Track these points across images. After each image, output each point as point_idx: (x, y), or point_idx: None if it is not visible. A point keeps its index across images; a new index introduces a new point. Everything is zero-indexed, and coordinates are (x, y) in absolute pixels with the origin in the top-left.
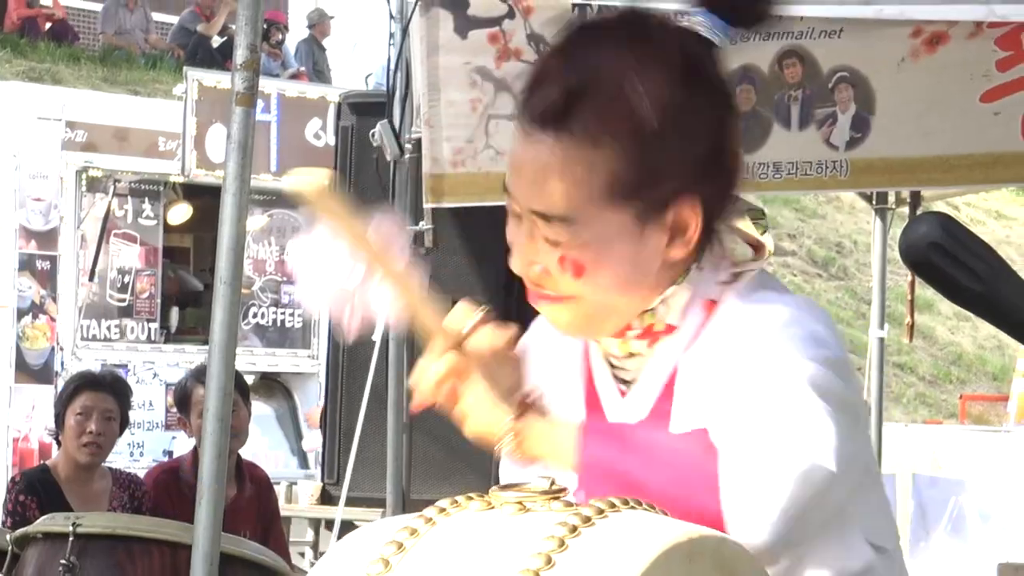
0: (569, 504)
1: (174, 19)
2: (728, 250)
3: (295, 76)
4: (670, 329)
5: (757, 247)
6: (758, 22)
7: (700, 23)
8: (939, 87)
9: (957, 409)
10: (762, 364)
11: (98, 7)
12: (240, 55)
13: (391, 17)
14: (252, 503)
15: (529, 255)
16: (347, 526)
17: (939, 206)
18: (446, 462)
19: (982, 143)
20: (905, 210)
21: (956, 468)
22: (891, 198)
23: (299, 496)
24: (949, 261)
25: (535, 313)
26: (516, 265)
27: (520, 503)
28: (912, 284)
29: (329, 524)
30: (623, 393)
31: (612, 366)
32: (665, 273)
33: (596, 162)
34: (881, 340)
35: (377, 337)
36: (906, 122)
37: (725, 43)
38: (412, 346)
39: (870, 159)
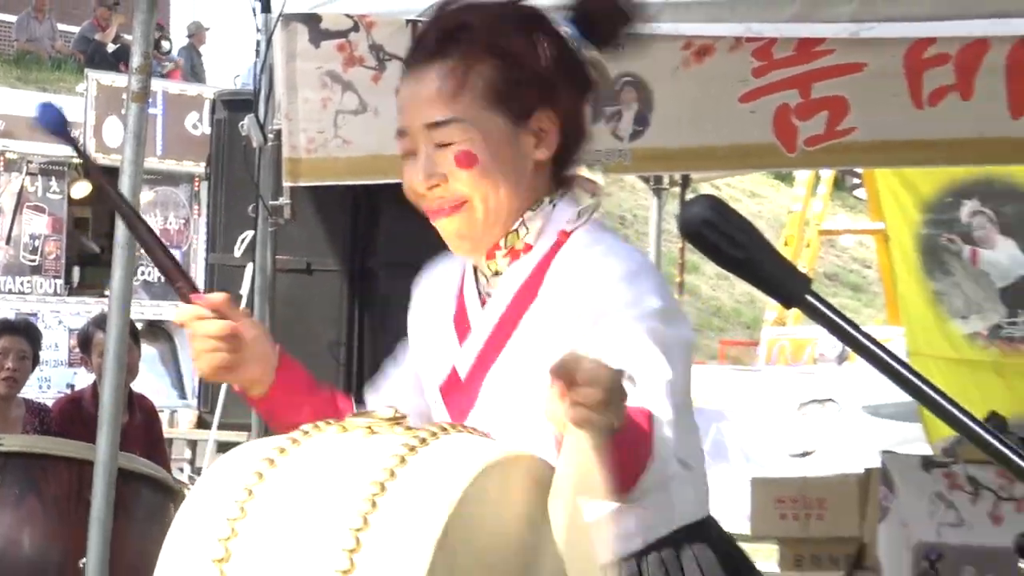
0: (409, 428)
1: (76, 29)
2: (576, 194)
3: (175, 68)
4: (528, 248)
5: (594, 193)
6: (608, 44)
7: (563, 30)
8: (706, 90)
9: (717, 352)
10: (612, 312)
11: (12, 19)
12: (135, 61)
13: (257, 30)
14: (141, 427)
15: (428, 169)
16: (219, 446)
17: (705, 187)
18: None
19: (740, 136)
20: (677, 190)
21: (716, 400)
22: (665, 180)
23: (179, 422)
24: (717, 233)
25: (380, 269)
26: (417, 187)
27: (369, 427)
28: (682, 250)
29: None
30: (484, 303)
31: (481, 291)
32: (532, 194)
33: (471, 77)
34: None
35: (244, 291)
36: (679, 118)
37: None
38: (273, 298)
39: (649, 148)
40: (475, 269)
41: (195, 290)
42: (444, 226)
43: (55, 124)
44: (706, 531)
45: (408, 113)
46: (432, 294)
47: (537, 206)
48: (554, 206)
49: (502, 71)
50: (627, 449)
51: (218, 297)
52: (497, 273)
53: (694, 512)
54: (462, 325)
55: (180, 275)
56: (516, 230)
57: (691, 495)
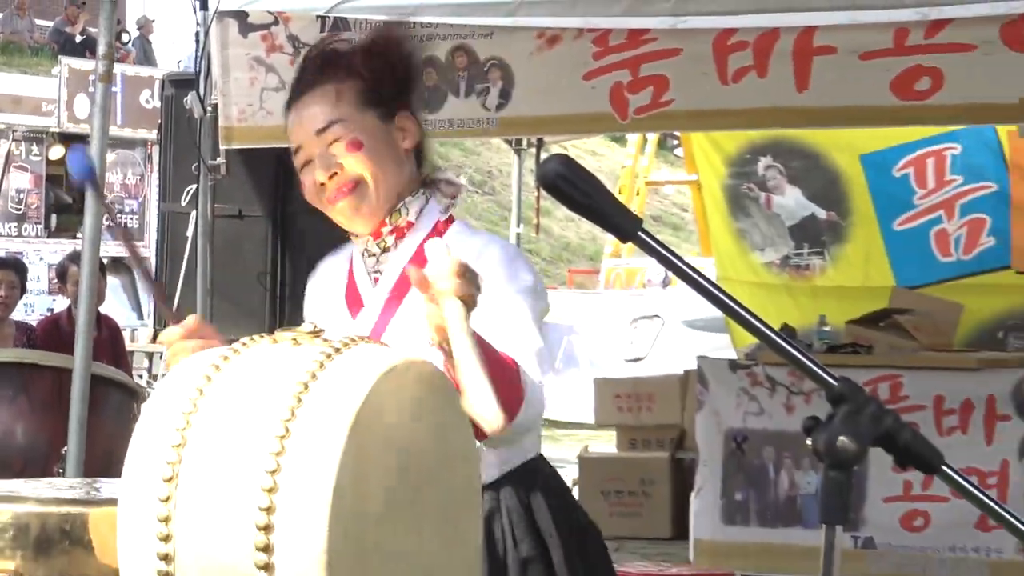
0: (326, 340)
1: (51, 23)
2: (447, 189)
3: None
4: (409, 225)
5: (454, 196)
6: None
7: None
8: (556, 70)
9: (566, 279)
10: (495, 287)
11: None
12: (101, 49)
13: (197, 24)
14: (108, 342)
15: (325, 163)
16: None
17: (555, 148)
18: (236, 315)
19: (584, 106)
20: (533, 150)
21: (567, 318)
22: (524, 142)
23: (138, 337)
24: (567, 184)
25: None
26: (319, 180)
27: (295, 339)
28: (537, 198)
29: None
30: (376, 281)
31: (370, 269)
32: (407, 179)
33: (344, 91)
34: (518, 235)
35: (189, 233)
36: (535, 92)
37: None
38: (213, 239)
39: (511, 117)
40: (364, 255)
41: (175, 314)
42: (344, 207)
43: (85, 173)
44: (543, 463)
45: (298, 130)
46: (324, 281)
47: (414, 194)
48: (427, 199)
49: (367, 84)
50: (504, 387)
51: (191, 321)
52: (385, 250)
53: (534, 448)
54: (354, 301)
55: (165, 302)
56: (399, 210)
57: (537, 433)
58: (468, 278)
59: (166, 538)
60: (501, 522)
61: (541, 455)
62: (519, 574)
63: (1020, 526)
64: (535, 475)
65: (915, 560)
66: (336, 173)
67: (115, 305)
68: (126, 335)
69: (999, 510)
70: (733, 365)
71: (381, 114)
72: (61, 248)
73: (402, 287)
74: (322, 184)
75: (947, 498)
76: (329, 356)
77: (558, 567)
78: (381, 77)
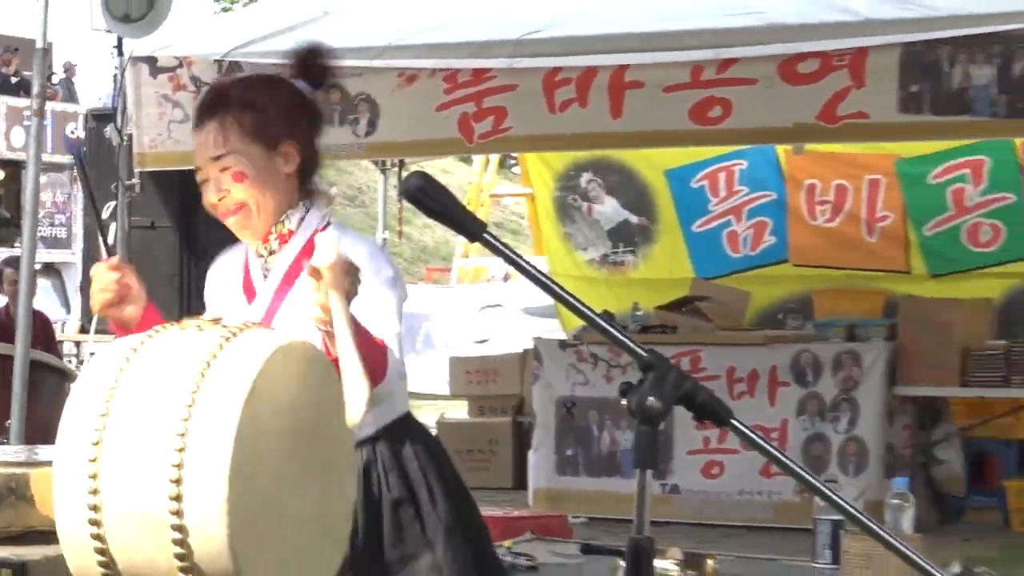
0: (225, 326)
1: None
2: (319, 202)
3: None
4: (291, 233)
5: (329, 202)
6: (323, 85)
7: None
8: (414, 103)
9: (424, 276)
10: (363, 279)
11: None
12: (35, 90)
13: (115, 68)
14: (41, 333)
15: (216, 187)
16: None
17: (414, 167)
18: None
19: (437, 133)
20: (396, 169)
21: (425, 308)
22: (388, 163)
23: (67, 329)
24: (425, 196)
25: (200, 226)
26: (212, 200)
27: (199, 326)
28: (400, 208)
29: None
30: (266, 276)
31: (261, 266)
32: (288, 197)
33: (234, 124)
34: (384, 239)
35: (111, 241)
36: (397, 122)
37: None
38: (130, 246)
39: (377, 142)
40: (256, 254)
41: (110, 254)
42: (232, 223)
43: (74, 149)
44: (412, 420)
45: (199, 155)
46: (223, 271)
47: (294, 207)
48: (307, 209)
49: (254, 118)
50: (373, 360)
51: (115, 260)
52: (272, 252)
53: (404, 407)
54: (249, 290)
55: (103, 232)
56: (282, 221)
57: (403, 396)
58: (351, 275)
59: (94, 492)
60: (377, 469)
61: (410, 413)
62: (391, 512)
63: (798, 470)
64: (405, 431)
65: (712, 503)
66: (225, 196)
67: (46, 302)
68: (56, 328)
69: (781, 458)
70: (563, 344)
71: (266, 145)
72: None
73: (288, 281)
74: (214, 203)
75: (738, 450)
76: (227, 339)
77: (424, 505)
78: (266, 112)
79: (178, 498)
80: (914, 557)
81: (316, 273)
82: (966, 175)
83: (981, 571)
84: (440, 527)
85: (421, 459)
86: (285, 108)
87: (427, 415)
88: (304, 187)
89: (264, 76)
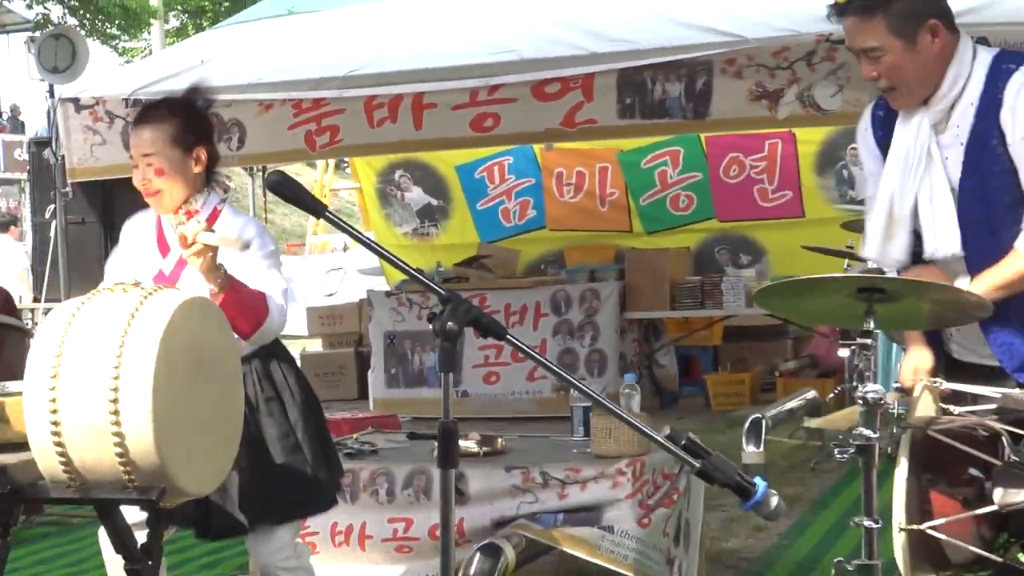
0: (143, 288)
1: None
2: (218, 189)
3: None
4: (196, 211)
5: (226, 189)
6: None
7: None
8: (272, 124)
9: (285, 250)
10: (251, 252)
11: None
12: None
13: (50, 106)
14: (4, 304)
15: (143, 175)
16: (45, 310)
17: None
18: (85, 285)
19: (289, 145)
20: (260, 172)
21: (286, 273)
22: (254, 168)
23: (23, 300)
24: (284, 188)
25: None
26: (137, 184)
27: (124, 288)
28: (265, 200)
29: (37, 311)
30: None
31: (175, 228)
32: (195, 186)
33: (162, 130)
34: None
35: (52, 235)
36: (259, 138)
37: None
38: (67, 238)
39: (246, 154)
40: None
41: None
42: (152, 202)
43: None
44: (279, 344)
45: (135, 148)
46: (137, 229)
47: (199, 193)
48: (209, 193)
49: (176, 127)
50: (250, 309)
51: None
52: (181, 223)
53: (277, 332)
54: (164, 246)
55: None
56: (189, 201)
57: (278, 326)
58: (209, 260)
59: (55, 411)
60: (252, 377)
61: (278, 340)
62: (265, 407)
63: (558, 370)
64: (274, 352)
65: (491, 402)
66: (147, 184)
67: (3, 278)
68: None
69: (544, 362)
70: (388, 294)
71: (184, 148)
72: None
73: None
74: (139, 185)
75: (509, 363)
76: (146, 297)
77: (288, 403)
78: (186, 124)
79: (116, 412)
80: (641, 427)
81: (184, 241)
82: (667, 161)
83: (686, 434)
84: (299, 416)
85: (283, 370)
86: (198, 122)
87: (293, 350)
88: (208, 179)
89: (183, 98)
